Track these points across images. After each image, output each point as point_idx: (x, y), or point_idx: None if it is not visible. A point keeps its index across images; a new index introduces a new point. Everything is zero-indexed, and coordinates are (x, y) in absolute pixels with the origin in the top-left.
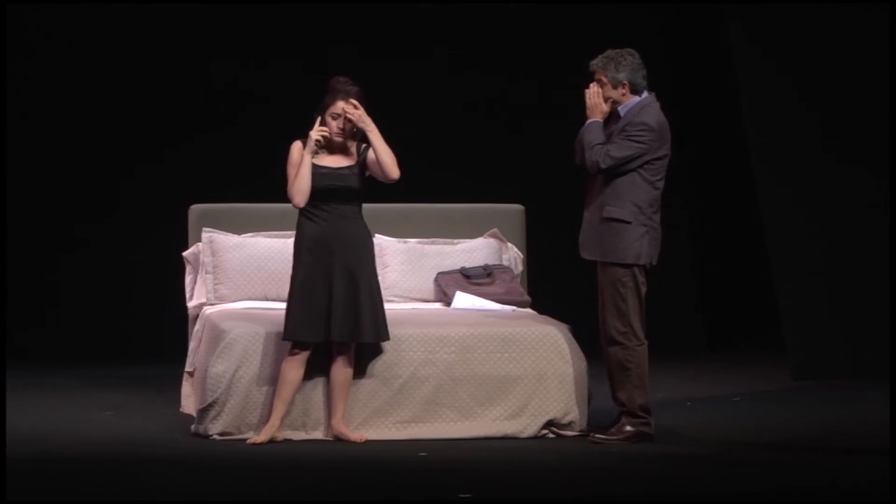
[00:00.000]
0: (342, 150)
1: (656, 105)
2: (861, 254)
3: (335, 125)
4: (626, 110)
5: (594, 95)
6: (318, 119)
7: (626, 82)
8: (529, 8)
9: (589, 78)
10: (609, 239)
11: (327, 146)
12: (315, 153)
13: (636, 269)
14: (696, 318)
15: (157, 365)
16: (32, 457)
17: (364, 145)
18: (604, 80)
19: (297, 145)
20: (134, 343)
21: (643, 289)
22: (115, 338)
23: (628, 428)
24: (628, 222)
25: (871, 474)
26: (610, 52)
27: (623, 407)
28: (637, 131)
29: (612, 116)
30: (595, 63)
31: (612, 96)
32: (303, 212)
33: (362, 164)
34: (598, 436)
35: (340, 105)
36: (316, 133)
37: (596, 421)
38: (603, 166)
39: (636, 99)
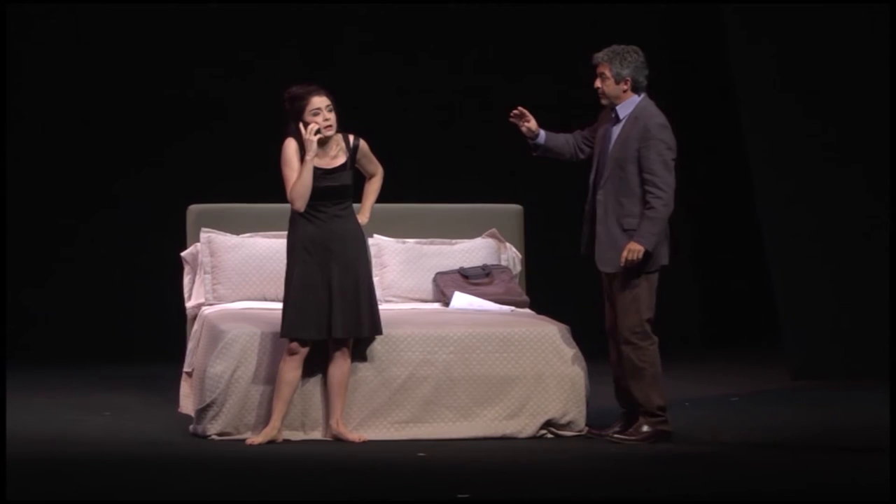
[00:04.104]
0: (330, 149)
1: (653, 104)
2: (860, 254)
3: (321, 120)
4: (626, 111)
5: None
6: (300, 126)
7: (629, 79)
8: (530, 8)
9: (590, 74)
10: None
11: (320, 143)
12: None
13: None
14: (697, 318)
15: (156, 365)
16: (32, 457)
17: (354, 143)
18: (607, 73)
19: (291, 144)
20: (133, 343)
21: (654, 287)
22: (114, 338)
23: (646, 428)
24: None
25: (871, 474)
26: (616, 47)
27: (640, 407)
28: (663, 138)
29: (606, 114)
30: (600, 56)
31: (612, 92)
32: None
33: (352, 160)
34: (616, 435)
35: (316, 100)
36: (311, 135)
37: (597, 420)
38: (672, 202)
39: (636, 99)
